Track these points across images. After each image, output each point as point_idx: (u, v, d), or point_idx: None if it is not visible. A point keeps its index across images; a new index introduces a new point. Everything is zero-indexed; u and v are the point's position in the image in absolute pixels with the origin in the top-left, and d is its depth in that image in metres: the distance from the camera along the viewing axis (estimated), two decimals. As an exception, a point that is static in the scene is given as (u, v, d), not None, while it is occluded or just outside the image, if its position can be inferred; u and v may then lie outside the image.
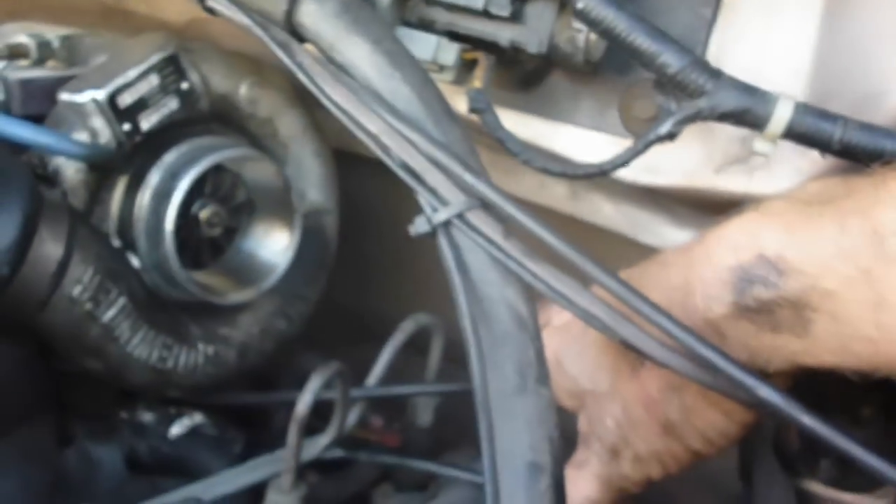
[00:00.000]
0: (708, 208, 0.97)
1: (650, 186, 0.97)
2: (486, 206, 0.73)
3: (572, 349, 0.83)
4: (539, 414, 0.72)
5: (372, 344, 1.20)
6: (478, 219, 0.74)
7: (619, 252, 1.09)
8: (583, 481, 0.83)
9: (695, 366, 0.68)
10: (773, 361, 0.66)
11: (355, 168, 1.20)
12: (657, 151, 0.86)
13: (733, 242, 0.67)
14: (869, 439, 0.83)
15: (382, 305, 1.38)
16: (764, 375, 0.65)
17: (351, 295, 1.39)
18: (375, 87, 0.80)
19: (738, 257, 0.66)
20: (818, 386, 0.76)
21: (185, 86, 1.06)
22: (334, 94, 0.81)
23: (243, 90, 1.12)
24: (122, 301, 0.98)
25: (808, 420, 0.64)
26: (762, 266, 0.64)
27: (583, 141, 0.98)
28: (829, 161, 0.83)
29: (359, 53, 0.81)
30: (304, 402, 0.97)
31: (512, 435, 0.71)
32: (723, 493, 0.97)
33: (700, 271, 0.69)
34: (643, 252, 1.04)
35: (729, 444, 0.76)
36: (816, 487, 0.82)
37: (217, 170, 1.08)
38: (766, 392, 0.65)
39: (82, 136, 1.00)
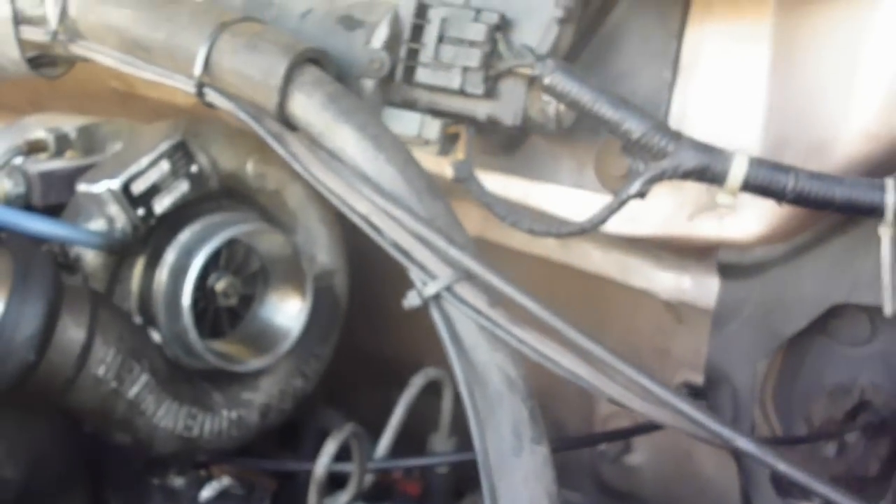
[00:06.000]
0: (686, 252, 1.01)
1: (631, 236, 1.02)
2: (472, 277, 0.79)
3: None
4: (536, 471, 0.77)
5: (394, 386, 1.25)
6: (464, 290, 0.79)
7: (609, 294, 1.15)
8: None
9: (677, 418, 0.73)
10: None
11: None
12: (635, 204, 0.90)
13: None
14: (852, 463, 0.88)
15: (401, 350, 1.41)
16: None
17: (371, 341, 1.43)
18: (362, 170, 0.86)
19: None
20: (807, 416, 0.81)
21: (194, 168, 1.11)
22: (326, 179, 0.86)
23: (250, 167, 1.17)
24: (145, 377, 1.04)
25: (783, 466, 0.70)
26: None
27: (564, 198, 1.04)
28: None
29: (346, 139, 0.87)
30: (320, 465, 1.01)
31: (512, 492, 0.77)
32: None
33: None
34: (632, 294, 1.10)
35: None
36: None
37: (230, 242, 1.13)
38: (743, 442, 0.71)
39: (100, 223, 1.06)
